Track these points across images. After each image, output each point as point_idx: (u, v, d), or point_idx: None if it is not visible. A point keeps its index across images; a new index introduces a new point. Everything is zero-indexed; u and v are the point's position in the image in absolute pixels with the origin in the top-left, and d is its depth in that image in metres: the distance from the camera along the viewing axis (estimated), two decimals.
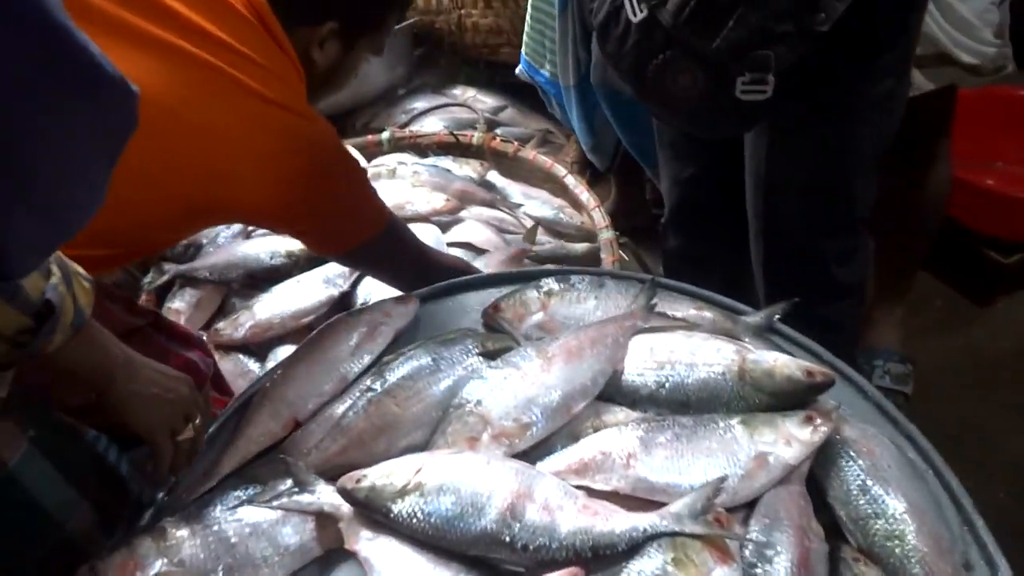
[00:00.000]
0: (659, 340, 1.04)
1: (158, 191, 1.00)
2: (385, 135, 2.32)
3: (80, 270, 0.84)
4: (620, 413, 1.00)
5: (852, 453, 0.93)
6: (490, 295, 1.22)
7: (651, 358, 1.02)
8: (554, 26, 2.12)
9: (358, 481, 0.87)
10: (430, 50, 3.08)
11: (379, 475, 0.87)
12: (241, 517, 0.91)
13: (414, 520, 0.84)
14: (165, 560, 0.87)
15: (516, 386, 0.97)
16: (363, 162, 2.12)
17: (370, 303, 1.65)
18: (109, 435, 1.01)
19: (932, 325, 2.18)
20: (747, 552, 0.84)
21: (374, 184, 1.27)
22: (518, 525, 0.82)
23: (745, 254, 1.53)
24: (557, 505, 0.84)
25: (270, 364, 1.64)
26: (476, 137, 2.29)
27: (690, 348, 1.02)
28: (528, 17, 2.22)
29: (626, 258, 1.94)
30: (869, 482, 0.90)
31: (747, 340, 1.09)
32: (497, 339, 1.09)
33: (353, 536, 0.87)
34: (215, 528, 0.90)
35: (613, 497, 0.88)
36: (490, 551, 0.83)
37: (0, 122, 0.51)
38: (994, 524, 0.91)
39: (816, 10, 1.05)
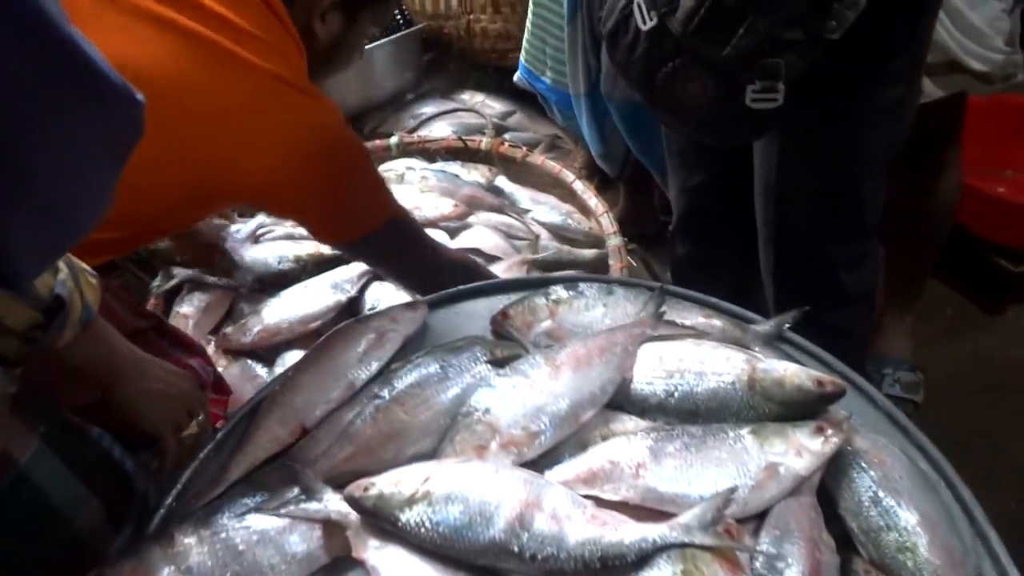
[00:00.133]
0: (668, 348, 1.04)
1: (162, 171, 0.99)
2: (393, 140, 2.32)
3: (86, 267, 0.85)
4: (629, 422, 0.99)
5: (863, 464, 0.92)
6: (498, 302, 1.22)
7: (660, 367, 1.01)
8: (555, 33, 2.13)
9: (366, 489, 0.87)
10: (439, 55, 3.08)
11: (387, 483, 0.87)
12: (249, 524, 0.91)
13: (422, 529, 0.83)
14: (173, 567, 0.86)
15: (524, 394, 0.97)
16: None
17: (378, 308, 1.66)
18: (113, 436, 1.01)
19: (942, 333, 2.17)
20: (757, 564, 0.83)
21: None
22: (526, 535, 0.81)
23: (754, 261, 1.53)
24: (566, 515, 0.83)
25: (278, 369, 1.65)
26: (484, 142, 2.29)
27: (699, 357, 1.02)
28: (528, 23, 2.21)
29: (634, 264, 1.94)
30: (881, 493, 0.90)
31: (757, 349, 1.09)
32: (505, 347, 1.09)
33: (361, 545, 0.86)
34: (223, 535, 0.89)
35: (622, 507, 0.88)
36: (498, 561, 0.82)
37: (6, 132, 0.51)
38: (1005, 535, 0.90)
39: (827, 18, 1.05)
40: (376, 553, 0.85)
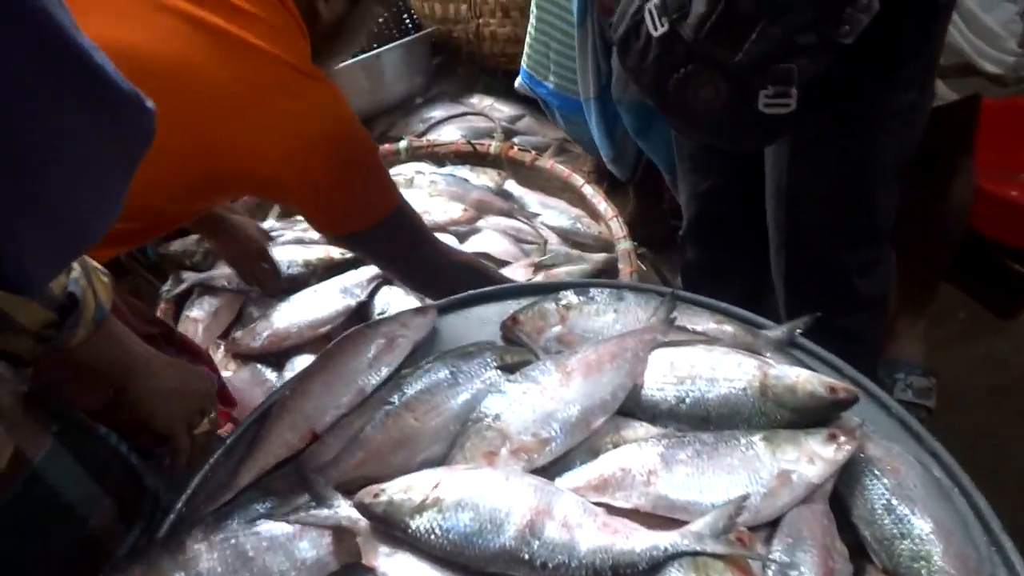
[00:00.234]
0: (679, 354, 1.03)
1: (168, 159, 0.97)
2: (403, 144, 2.32)
3: (98, 265, 0.86)
4: (640, 428, 0.99)
5: (877, 471, 0.92)
6: (508, 307, 1.22)
7: (671, 373, 1.01)
8: (559, 37, 2.13)
9: (376, 496, 0.87)
10: (448, 59, 3.08)
11: (397, 490, 0.86)
12: (259, 531, 0.91)
13: (432, 536, 0.83)
14: (182, 573, 0.86)
15: (535, 400, 0.97)
16: None
17: (388, 313, 1.67)
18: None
19: (954, 337, 2.16)
20: (770, 573, 0.82)
21: None
22: (537, 543, 0.81)
23: (765, 266, 1.52)
24: (576, 523, 0.83)
25: (287, 373, 1.65)
26: (494, 146, 2.29)
27: (711, 363, 1.01)
28: (531, 28, 2.21)
29: (644, 269, 1.93)
30: (894, 501, 0.89)
31: (768, 355, 1.08)
32: (516, 352, 1.09)
33: (371, 551, 0.86)
34: (232, 541, 0.89)
35: (633, 514, 0.87)
36: (509, 569, 0.82)
37: (15, 141, 0.51)
38: (1022, 545, 0.89)
39: (840, 23, 1.04)
40: (386, 560, 0.85)
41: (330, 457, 0.99)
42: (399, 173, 2.20)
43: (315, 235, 1.99)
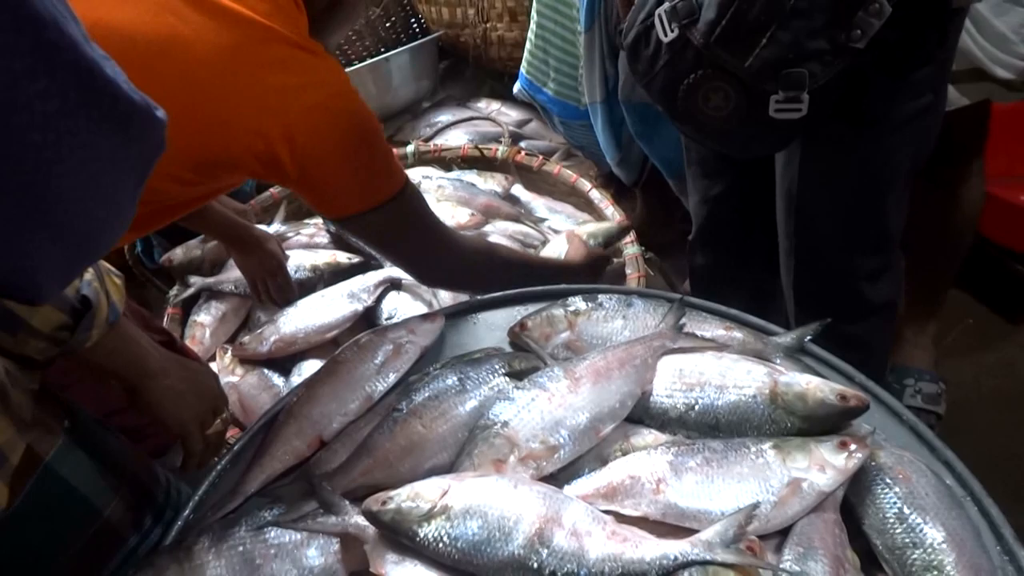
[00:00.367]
0: (688, 361, 1.03)
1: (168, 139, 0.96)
2: (410, 148, 2.32)
3: (110, 267, 0.86)
4: (649, 435, 0.98)
5: (888, 480, 0.91)
6: (516, 313, 1.22)
7: (680, 380, 1.00)
8: (558, 44, 2.13)
9: (383, 503, 0.86)
10: (455, 63, 3.09)
11: (405, 497, 0.86)
12: (266, 538, 0.91)
13: (440, 544, 0.82)
14: None
15: (543, 407, 0.96)
16: None
17: (395, 318, 1.66)
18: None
19: (963, 343, 2.14)
20: None
21: None
22: (546, 551, 0.80)
23: (774, 270, 1.52)
24: (585, 531, 0.82)
25: (294, 378, 1.64)
26: (501, 151, 2.29)
27: (720, 370, 1.01)
28: (531, 34, 2.21)
29: (651, 274, 1.93)
30: (906, 510, 0.88)
31: (778, 361, 1.07)
32: (524, 359, 1.08)
33: (378, 559, 0.86)
34: (240, 549, 0.89)
35: (642, 523, 0.87)
36: None
37: (28, 157, 0.51)
38: None
39: (851, 27, 1.04)
40: (394, 568, 0.84)
41: (338, 464, 0.99)
42: None
43: (322, 239, 2.00)
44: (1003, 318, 2.22)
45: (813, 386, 0.97)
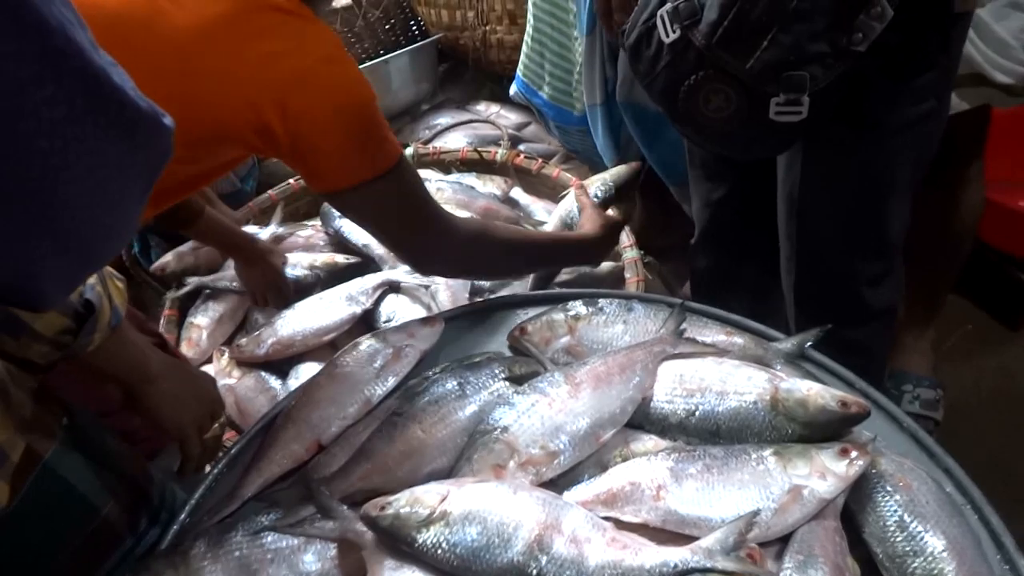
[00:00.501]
0: (689, 367, 1.02)
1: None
2: (409, 151, 2.31)
3: (112, 270, 0.86)
4: (649, 441, 0.98)
5: (889, 488, 0.91)
6: (516, 316, 1.21)
7: (681, 385, 1.00)
8: (554, 48, 2.13)
9: (382, 508, 0.86)
10: (454, 66, 3.08)
11: (404, 503, 0.85)
12: (262, 542, 0.90)
13: (439, 550, 0.82)
14: None
15: (543, 413, 0.96)
16: None
17: (394, 321, 1.66)
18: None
19: (962, 348, 2.14)
20: None
21: None
22: (545, 558, 0.80)
23: (774, 273, 1.51)
24: (585, 537, 0.82)
25: (291, 381, 1.63)
26: (500, 154, 2.28)
27: (721, 376, 1.00)
28: (527, 38, 2.21)
29: (650, 278, 1.92)
30: (907, 518, 0.88)
31: (779, 367, 1.07)
32: (524, 363, 1.08)
33: (376, 565, 0.85)
34: (236, 554, 0.89)
35: (642, 529, 0.86)
36: None
37: (36, 164, 0.51)
38: None
39: (852, 31, 1.03)
40: (392, 574, 0.84)
41: (336, 468, 0.98)
42: None
43: (320, 240, 1.99)
44: (1002, 324, 2.22)
45: (814, 393, 0.96)
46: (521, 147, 2.61)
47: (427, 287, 1.74)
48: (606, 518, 0.86)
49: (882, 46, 1.04)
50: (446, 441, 0.98)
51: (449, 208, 1.97)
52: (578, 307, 1.15)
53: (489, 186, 2.17)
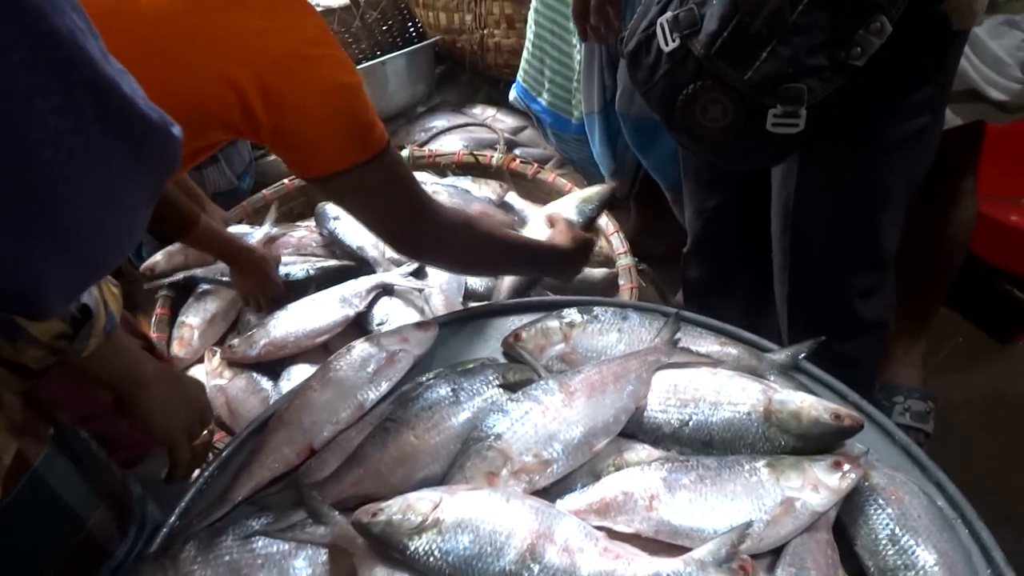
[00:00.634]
0: (683, 377, 1.02)
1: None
2: (404, 153, 2.31)
3: (108, 276, 0.85)
4: (643, 451, 0.98)
5: (881, 501, 0.91)
6: (511, 323, 1.21)
7: (675, 395, 1.00)
8: (554, 55, 2.13)
9: (374, 515, 0.85)
10: (451, 69, 3.08)
11: (396, 509, 0.85)
12: (253, 547, 0.89)
13: (431, 558, 0.81)
14: None
15: (537, 421, 0.95)
16: None
17: (387, 323, 1.65)
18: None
19: (953, 362, 2.15)
20: None
21: None
22: (537, 567, 0.80)
23: (767, 282, 1.52)
24: (578, 547, 0.81)
25: (284, 383, 1.63)
26: (496, 158, 2.28)
27: (715, 386, 1.00)
28: (528, 44, 2.21)
29: (644, 285, 1.92)
30: (898, 531, 0.88)
31: (772, 378, 1.07)
32: (518, 370, 1.08)
33: (367, 571, 0.85)
34: (226, 558, 0.88)
35: (635, 539, 0.86)
36: None
37: (41, 173, 0.50)
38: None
39: (851, 45, 1.04)
40: None
41: (328, 473, 0.98)
42: None
43: (313, 241, 1.98)
44: (992, 337, 2.23)
45: (807, 405, 0.97)
46: (517, 151, 2.61)
47: (421, 291, 1.73)
48: (599, 527, 0.86)
49: (880, 61, 1.05)
50: (439, 447, 0.98)
51: None
52: (573, 315, 1.15)
53: (484, 190, 2.17)
